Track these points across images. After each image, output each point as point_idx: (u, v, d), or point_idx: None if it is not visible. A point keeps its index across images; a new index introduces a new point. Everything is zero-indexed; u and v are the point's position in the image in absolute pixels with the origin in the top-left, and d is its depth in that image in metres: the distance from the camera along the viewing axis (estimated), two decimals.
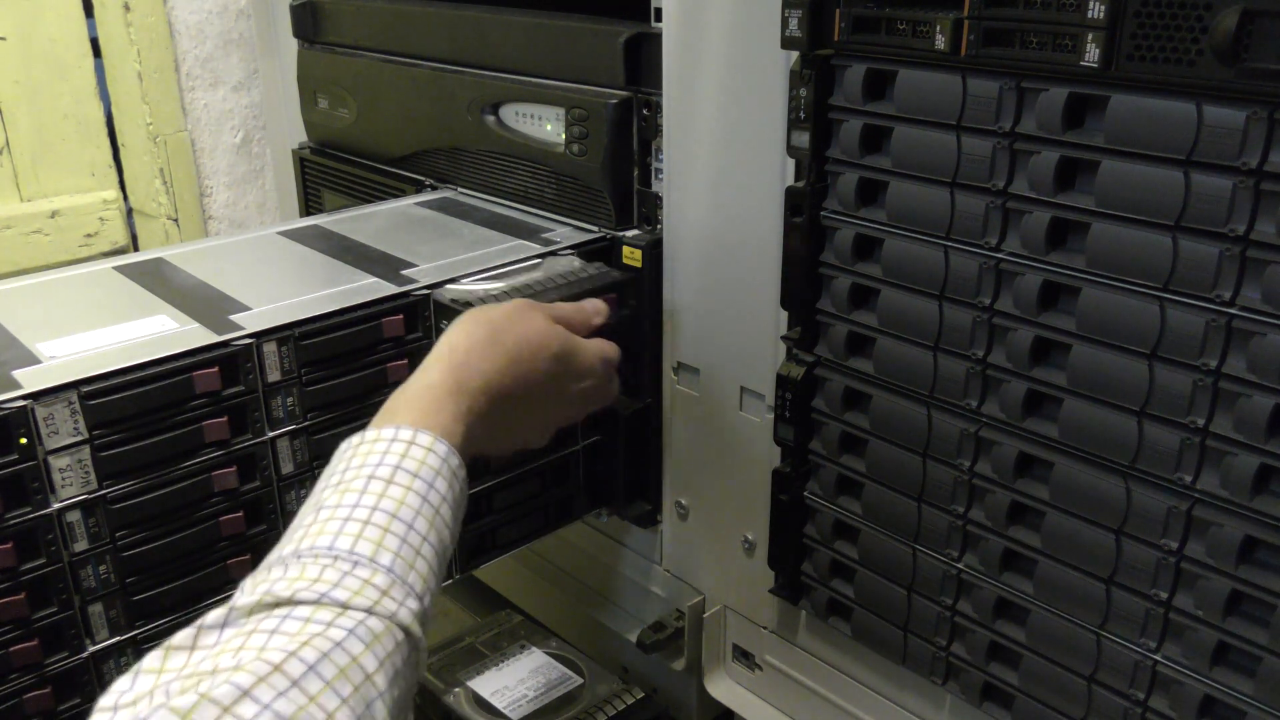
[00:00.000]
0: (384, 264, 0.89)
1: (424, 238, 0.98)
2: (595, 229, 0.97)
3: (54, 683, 0.71)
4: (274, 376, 0.76)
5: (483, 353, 0.67)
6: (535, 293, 0.83)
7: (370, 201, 1.20)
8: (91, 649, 0.72)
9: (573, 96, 0.96)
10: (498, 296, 0.81)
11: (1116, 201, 0.59)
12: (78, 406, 0.67)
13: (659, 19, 0.87)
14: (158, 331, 0.75)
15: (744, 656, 0.99)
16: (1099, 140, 0.59)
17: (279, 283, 0.86)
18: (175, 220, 1.56)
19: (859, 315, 0.75)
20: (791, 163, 0.77)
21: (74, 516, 0.69)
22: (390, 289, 0.82)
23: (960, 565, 0.74)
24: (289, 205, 1.52)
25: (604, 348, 0.79)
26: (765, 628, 0.95)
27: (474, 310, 0.72)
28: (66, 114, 1.45)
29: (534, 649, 0.97)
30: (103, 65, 1.51)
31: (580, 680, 0.91)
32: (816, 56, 0.72)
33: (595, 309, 0.81)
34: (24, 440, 0.65)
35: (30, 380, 0.67)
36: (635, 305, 0.92)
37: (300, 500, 0.80)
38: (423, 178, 1.18)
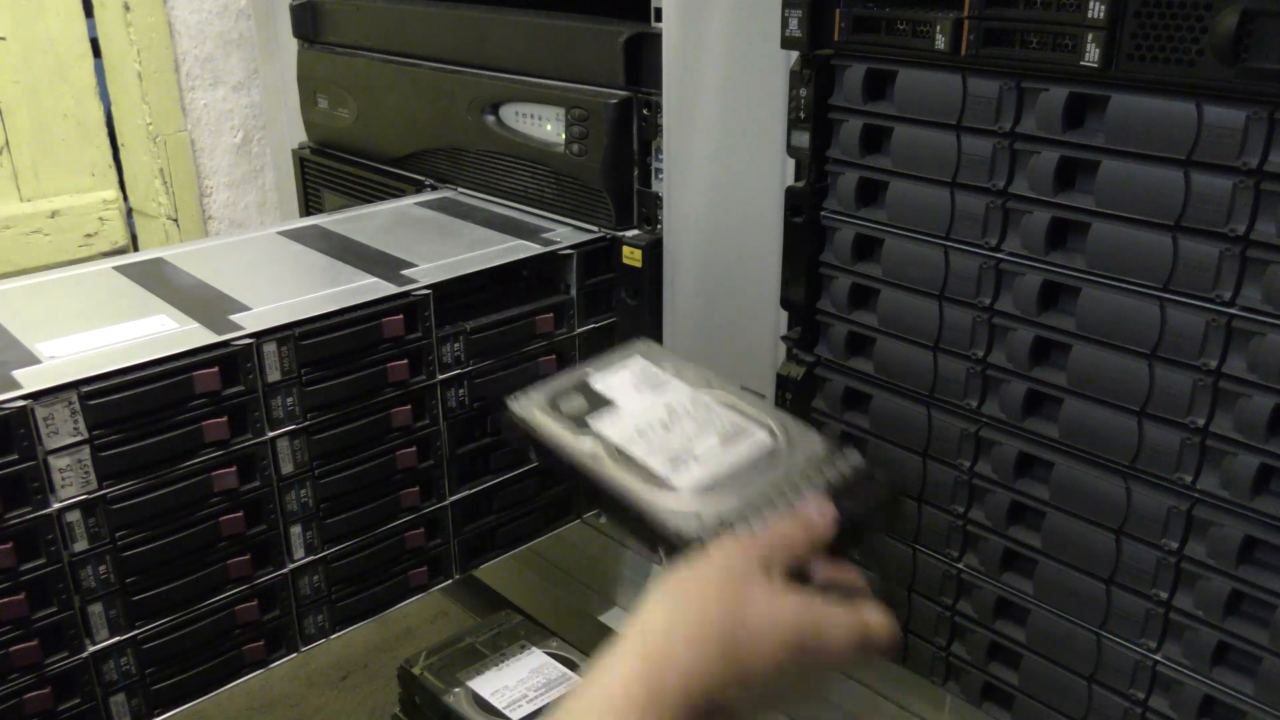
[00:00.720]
0: (384, 264, 0.89)
1: (424, 238, 0.98)
2: (595, 229, 0.97)
3: (54, 683, 0.71)
4: (274, 376, 0.76)
5: (687, 642, 0.49)
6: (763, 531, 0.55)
7: (370, 201, 1.20)
8: (91, 649, 0.72)
9: (573, 96, 0.96)
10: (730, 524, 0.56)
11: (1116, 202, 0.59)
12: (78, 406, 0.67)
13: (659, 19, 0.87)
14: (158, 331, 0.75)
15: None
16: (1099, 140, 0.59)
17: (279, 283, 0.86)
18: (175, 220, 1.56)
19: (859, 315, 0.75)
20: (791, 163, 0.77)
21: (74, 516, 0.69)
22: (390, 289, 0.82)
23: (960, 565, 0.74)
24: (289, 205, 1.52)
25: (863, 624, 0.53)
26: None
27: (674, 580, 0.53)
28: (66, 114, 1.45)
29: (533, 649, 0.97)
30: (103, 65, 1.51)
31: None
32: (816, 56, 0.72)
33: (823, 516, 0.56)
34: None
35: (30, 380, 0.67)
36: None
37: (300, 500, 0.80)
38: (423, 178, 1.18)
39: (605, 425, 0.63)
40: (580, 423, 0.63)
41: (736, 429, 0.63)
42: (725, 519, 0.56)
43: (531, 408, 0.65)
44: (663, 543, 0.57)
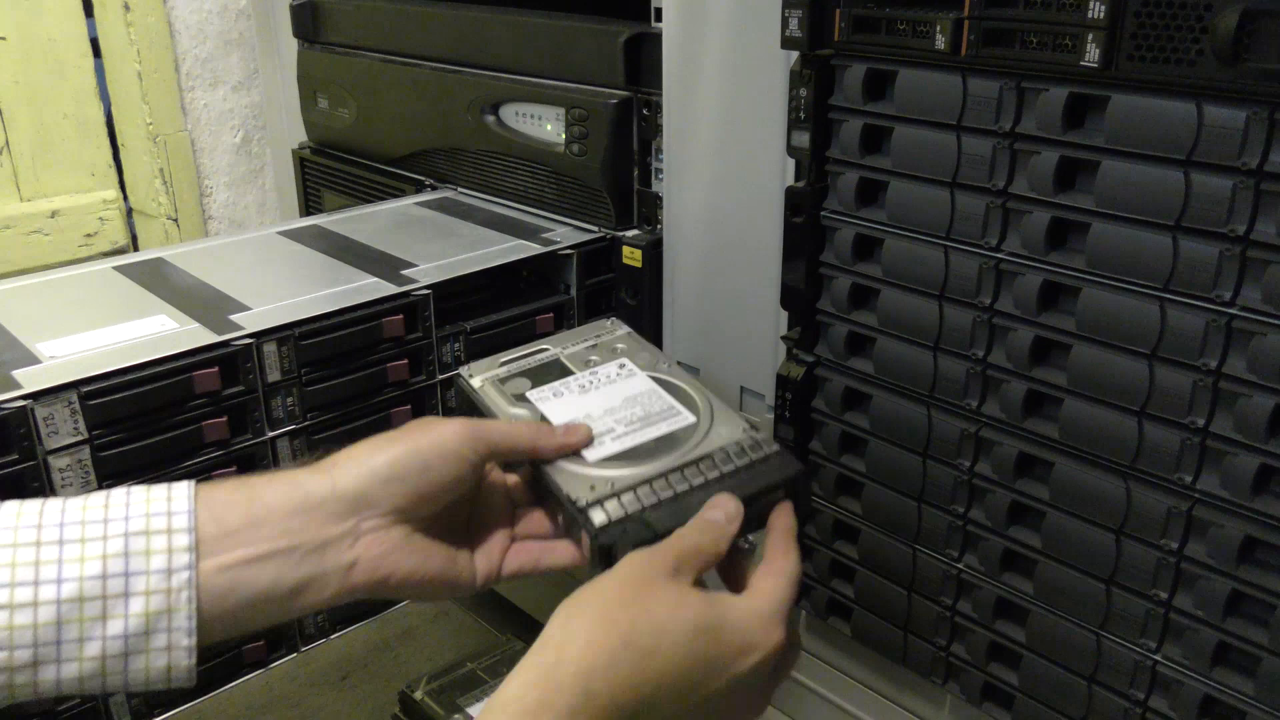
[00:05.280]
0: (384, 264, 0.89)
1: (424, 238, 0.98)
2: (595, 229, 0.97)
3: None
4: (274, 376, 0.76)
5: (586, 640, 0.48)
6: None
7: (370, 201, 1.20)
8: None
9: (573, 96, 0.96)
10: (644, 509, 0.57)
11: (1117, 202, 0.59)
12: (78, 406, 0.67)
13: (659, 19, 0.87)
14: (158, 331, 0.75)
15: None
16: (1099, 140, 0.59)
17: (279, 283, 0.86)
18: (175, 220, 1.57)
19: (859, 315, 0.75)
20: (791, 163, 0.77)
21: None
22: (390, 289, 0.82)
23: (960, 565, 0.74)
24: (289, 205, 1.52)
25: (766, 603, 0.53)
26: None
27: (579, 591, 0.52)
28: (66, 114, 1.45)
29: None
30: (103, 65, 1.51)
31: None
32: (816, 56, 0.72)
33: (729, 516, 0.56)
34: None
35: (30, 380, 0.67)
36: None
37: None
38: (423, 178, 1.18)
39: (542, 401, 0.64)
40: (520, 397, 0.65)
41: (664, 411, 0.64)
42: (618, 488, 0.58)
43: (480, 379, 0.67)
44: (563, 510, 0.59)
